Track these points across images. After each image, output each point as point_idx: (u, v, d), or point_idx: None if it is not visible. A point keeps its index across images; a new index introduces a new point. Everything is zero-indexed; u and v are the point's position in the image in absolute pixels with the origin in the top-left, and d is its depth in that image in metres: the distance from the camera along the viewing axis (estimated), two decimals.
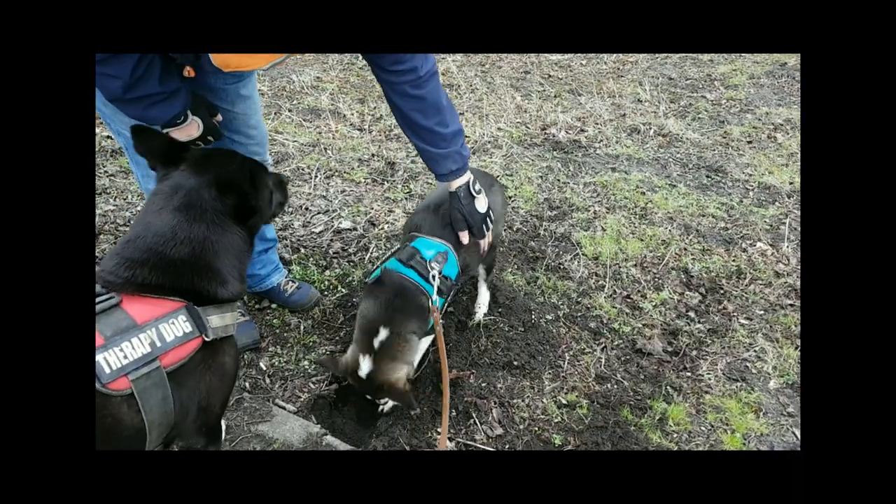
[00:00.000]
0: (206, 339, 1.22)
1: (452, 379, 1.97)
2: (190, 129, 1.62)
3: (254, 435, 1.86)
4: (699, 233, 2.98)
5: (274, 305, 2.41)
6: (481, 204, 1.92)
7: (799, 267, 2.73)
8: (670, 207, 3.18)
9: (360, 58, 5.23)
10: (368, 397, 1.92)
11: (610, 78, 5.09)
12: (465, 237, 1.96)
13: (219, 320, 1.25)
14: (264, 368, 2.14)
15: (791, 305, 2.52)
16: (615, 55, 5.65)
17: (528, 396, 2.08)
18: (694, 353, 2.29)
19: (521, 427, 1.98)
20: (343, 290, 2.49)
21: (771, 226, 3.05)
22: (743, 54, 5.52)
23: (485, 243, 2.01)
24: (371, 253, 2.74)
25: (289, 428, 1.88)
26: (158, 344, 1.15)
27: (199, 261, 1.25)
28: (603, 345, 2.31)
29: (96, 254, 2.53)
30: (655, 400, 2.07)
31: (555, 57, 5.63)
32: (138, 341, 1.13)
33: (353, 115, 4.14)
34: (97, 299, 1.13)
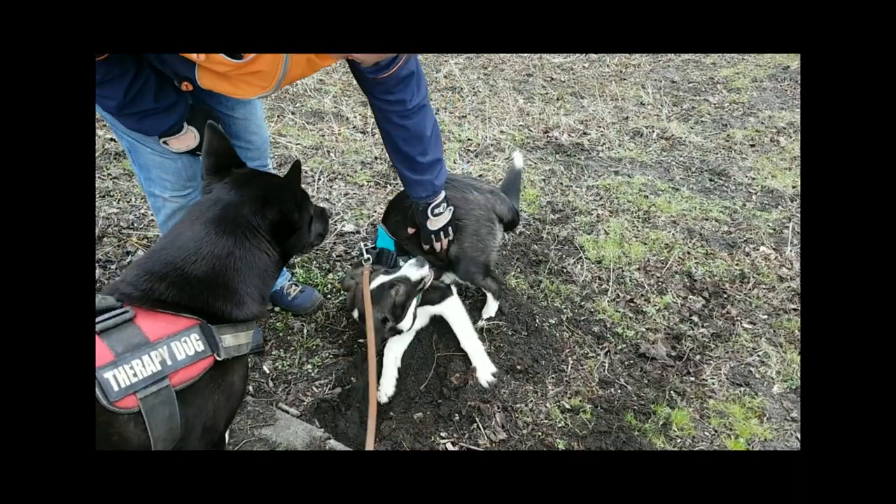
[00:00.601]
0: (218, 358, 1.21)
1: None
2: (186, 140, 1.65)
3: (257, 439, 1.86)
4: (702, 237, 2.97)
5: (277, 309, 2.41)
6: (434, 224, 2.08)
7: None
8: (673, 211, 3.18)
9: None
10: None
11: (612, 81, 5.09)
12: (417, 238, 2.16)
13: (232, 339, 1.24)
14: (268, 372, 2.14)
15: (794, 310, 2.51)
16: (618, 58, 5.65)
17: (532, 401, 2.08)
18: (697, 357, 2.29)
19: (525, 431, 1.97)
20: (346, 293, 2.49)
21: (774, 230, 3.05)
22: (745, 58, 5.51)
23: (439, 246, 2.16)
24: None
25: (292, 432, 1.88)
26: (169, 362, 1.14)
27: (217, 279, 1.24)
28: (606, 349, 2.31)
29: (100, 256, 2.53)
30: (659, 405, 2.07)
31: (557, 60, 5.63)
32: (149, 359, 1.11)
33: (355, 117, 4.14)
34: (112, 313, 1.12)
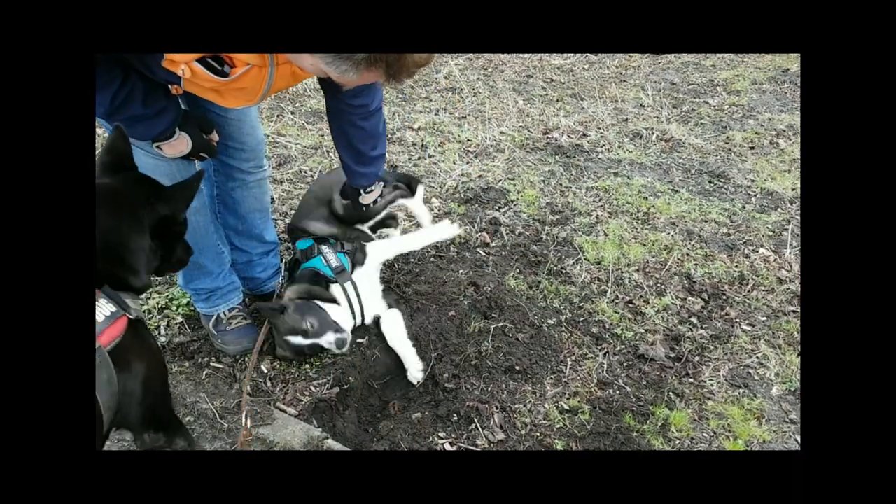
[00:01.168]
0: (130, 317, 1.25)
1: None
2: (179, 145, 1.65)
3: (255, 438, 1.85)
4: (701, 238, 2.97)
5: None
6: (365, 199, 2.21)
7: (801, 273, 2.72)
8: (672, 212, 3.18)
9: None
10: None
11: (612, 82, 5.09)
12: None
13: (132, 303, 1.29)
14: (265, 371, 2.13)
15: (793, 312, 2.51)
16: (617, 60, 5.65)
17: (530, 401, 2.07)
18: (696, 359, 2.28)
19: (523, 432, 1.97)
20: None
21: (773, 232, 3.05)
22: (745, 60, 5.52)
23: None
24: None
25: (290, 432, 1.87)
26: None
27: (110, 252, 1.28)
28: (605, 350, 2.31)
29: None
30: (658, 406, 2.07)
31: (557, 61, 5.64)
32: None
33: None
34: None
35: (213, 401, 1.98)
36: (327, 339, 2.04)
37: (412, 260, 2.73)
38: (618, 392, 2.13)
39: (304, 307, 2.09)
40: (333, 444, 1.85)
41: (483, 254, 2.80)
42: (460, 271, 2.66)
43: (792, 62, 5.34)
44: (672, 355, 2.29)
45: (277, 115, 4.09)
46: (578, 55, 5.75)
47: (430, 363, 2.17)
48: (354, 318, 2.23)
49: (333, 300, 2.20)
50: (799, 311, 2.52)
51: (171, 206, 1.39)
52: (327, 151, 3.65)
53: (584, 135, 4.12)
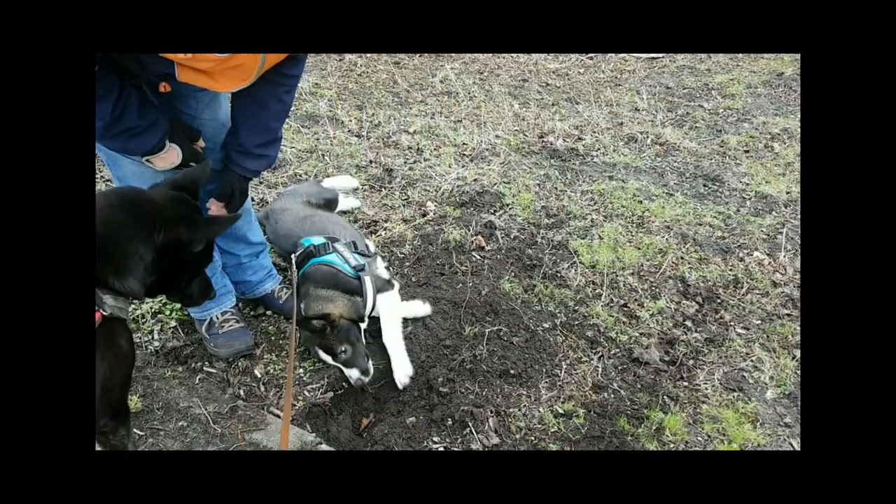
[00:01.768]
0: (104, 313, 1.25)
1: None
2: (170, 157, 1.65)
3: (248, 443, 1.84)
4: (696, 242, 2.98)
5: (270, 312, 2.40)
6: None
7: (795, 276, 2.73)
8: (667, 216, 3.18)
9: (359, 63, 5.24)
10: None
11: (607, 86, 5.10)
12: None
13: (113, 301, 1.29)
14: (259, 376, 2.13)
15: (788, 315, 2.52)
16: (612, 64, 5.66)
17: (525, 405, 2.07)
18: (691, 362, 2.28)
19: (518, 436, 1.96)
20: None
21: (768, 235, 3.06)
22: (740, 64, 5.54)
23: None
24: None
25: None
26: None
27: (104, 246, 1.27)
28: (600, 353, 2.30)
29: None
30: (652, 409, 2.07)
31: (552, 65, 5.65)
32: None
33: (351, 121, 4.14)
34: None
35: (206, 406, 1.97)
36: (351, 374, 2.08)
37: (407, 263, 2.72)
38: (612, 396, 2.13)
39: (346, 330, 2.12)
40: (327, 449, 1.84)
41: (478, 257, 2.80)
42: (455, 275, 2.66)
43: (787, 66, 5.36)
44: (666, 359, 2.29)
45: None
46: (574, 59, 5.76)
47: (424, 367, 2.17)
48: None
49: (358, 291, 2.25)
50: (793, 314, 2.52)
51: (190, 233, 1.39)
52: (322, 155, 3.65)
53: (580, 138, 4.12)
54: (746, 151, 3.98)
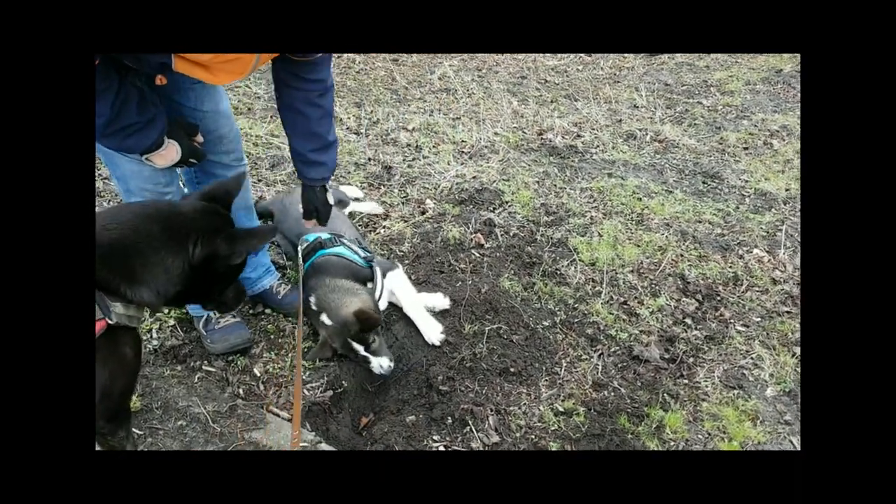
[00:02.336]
0: (110, 321, 1.23)
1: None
2: (169, 154, 1.65)
3: (247, 442, 1.84)
4: (696, 239, 2.97)
5: (269, 310, 2.39)
6: (331, 198, 2.11)
7: (795, 273, 2.72)
8: (667, 213, 3.18)
9: (357, 61, 5.22)
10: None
11: (606, 83, 5.09)
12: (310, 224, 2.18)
13: (123, 309, 1.27)
14: (258, 375, 2.12)
15: (788, 312, 2.51)
16: (611, 61, 5.66)
17: (525, 404, 2.07)
18: (691, 360, 2.28)
19: (518, 435, 1.96)
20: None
21: (767, 232, 3.05)
22: (739, 61, 5.53)
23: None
24: None
25: (283, 435, 1.86)
26: None
27: (120, 254, 1.26)
28: (600, 351, 2.30)
29: None
30: (652, 407, 2.06)
31: (551, 62, 5.64)
32: None
33: (349, 118, 4.12)
34: None
35: (205, 405, 1.96)
36: (381, 362, 2.09)
37: (406, 261, 2.72)
38: (612, 394, 2.12)
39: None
40: (326, 448, 1.83)
41: (477, 255, 2.79)
42: (455, 273, 2.65)
43: (785, 63, 5.36)
44: (666, 356, 2.29)
45: (271, 116, 4.06)
46: (572, 56, 5.75)
47: (423, 366, 2.16)
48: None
49: (371, 279, 2.32)
50: (793, 311, 2.52)
51: (229, 246, 1.37)
52: None
53: (579, 136, 4.11)
54: (745, 148, 3.98)
